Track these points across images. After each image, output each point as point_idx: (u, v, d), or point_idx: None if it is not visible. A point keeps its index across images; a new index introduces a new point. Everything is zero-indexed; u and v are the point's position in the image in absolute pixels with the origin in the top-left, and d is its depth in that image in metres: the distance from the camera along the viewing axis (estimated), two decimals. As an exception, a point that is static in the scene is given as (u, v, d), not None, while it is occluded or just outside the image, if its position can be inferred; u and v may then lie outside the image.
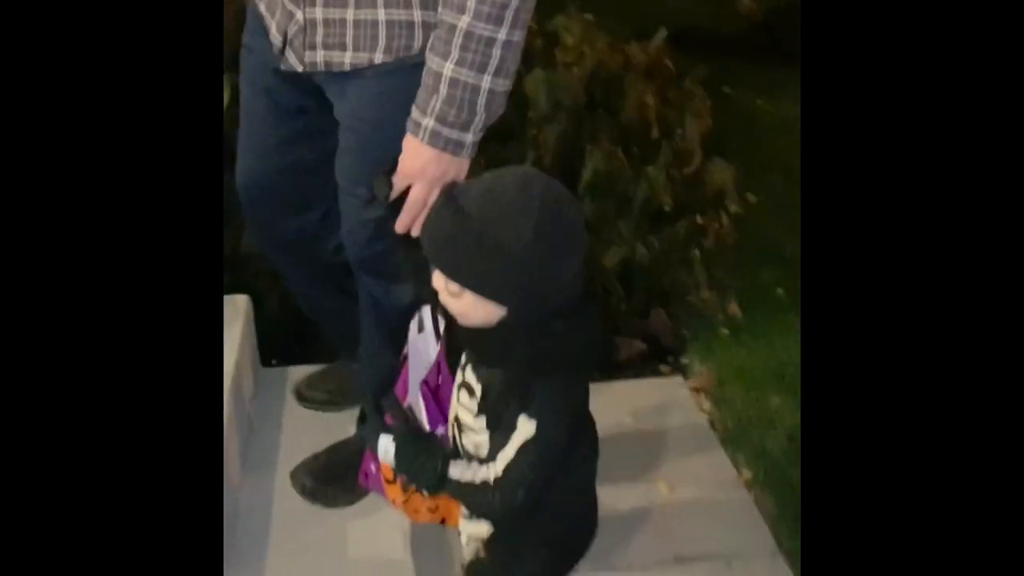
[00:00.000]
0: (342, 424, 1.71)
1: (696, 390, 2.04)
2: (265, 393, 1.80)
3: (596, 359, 1.13)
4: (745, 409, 1.98)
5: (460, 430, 1.11)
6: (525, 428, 1.02)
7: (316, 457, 1.58)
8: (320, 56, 1.26)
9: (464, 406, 1.10)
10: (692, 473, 1.81)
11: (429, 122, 1.14)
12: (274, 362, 1.95)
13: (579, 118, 2.10)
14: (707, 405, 2.00)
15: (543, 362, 1.03)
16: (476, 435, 1.08)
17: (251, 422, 1.70)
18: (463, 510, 1.20)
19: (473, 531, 1.20)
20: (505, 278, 1.00)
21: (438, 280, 1.04)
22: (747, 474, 1.80)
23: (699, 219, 2.21)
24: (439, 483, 1.07)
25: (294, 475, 1.56)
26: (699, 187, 2.24)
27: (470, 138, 1.15)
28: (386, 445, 1.08)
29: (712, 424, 1.95)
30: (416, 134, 1.16)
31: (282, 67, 1.30)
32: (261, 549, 1.46)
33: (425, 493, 1.15)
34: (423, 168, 1.16)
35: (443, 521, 1.29)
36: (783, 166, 3.16)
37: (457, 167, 1.17)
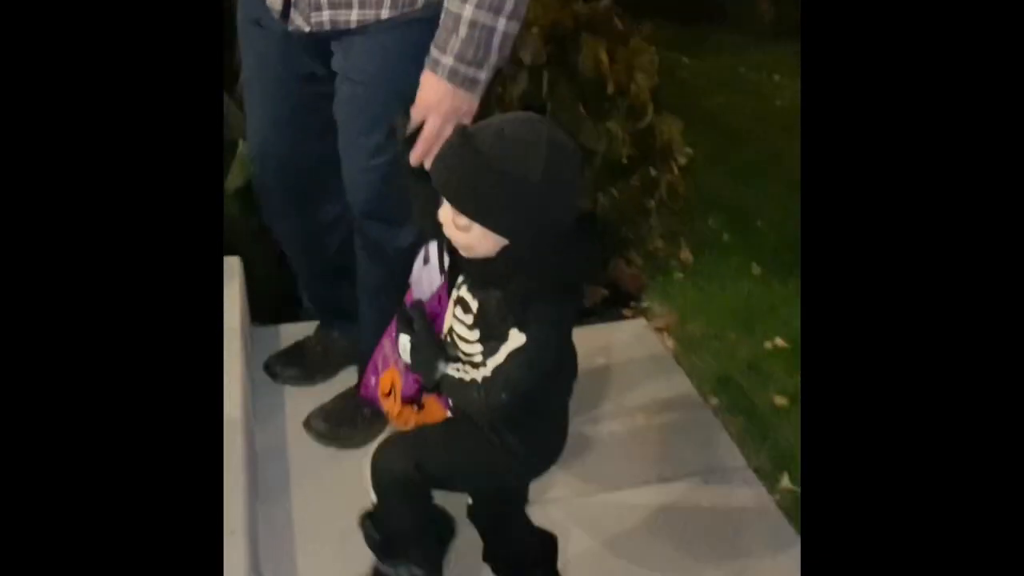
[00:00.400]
0: (341, 374, 1.79)
1: (659, 329, 2.19)
2: (258, 351, 1.86)
3: (588, 284, 1.20)
4: (706, 343, 2.15)
5: (453, 341, 1.19)
6: (516, 339, 1.10)
7: (324, 405, 1.66)
8: (326, 15, 1.33)
9: (459, 320, 1.17)
10: (664, 402, 1.97)
11: (448, 60, 1.24)
12: (256, 322, 2.00)
13: (540, 76, 2.19)
14: (670, 342, 2.16)
15: (540, 286, 1.11)
16: (469, 346, 1.16)
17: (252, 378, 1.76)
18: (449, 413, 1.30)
19: None
20: (514, 211, 1.08)
21: (446, 214, 1.11)
22: (713, 401, 1.97)
23: (652, 171, 2.35)
24: (439, 380, 1.17)
25: (307, 423, 1.64)
26: (650, 140, 2.37)
27: (484, 76, 1.25)
28: (404, 342, 1.19)
29: (677, 359, 2.10)
30: (435, 71, 1.25)
31: (289, 28, 1.36)
32: (284, 487, 1.54)
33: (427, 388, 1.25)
34: (439, 102, 1.25)
35: None
36: (713, 119, 3.35)
37: (469, 103, 1.27)
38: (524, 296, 1.11)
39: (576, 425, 1.85)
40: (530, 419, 1.22)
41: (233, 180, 1.95)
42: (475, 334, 1.15)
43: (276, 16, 1.37)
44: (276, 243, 2.01)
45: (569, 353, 1.25)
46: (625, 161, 2.27)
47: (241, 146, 1.96)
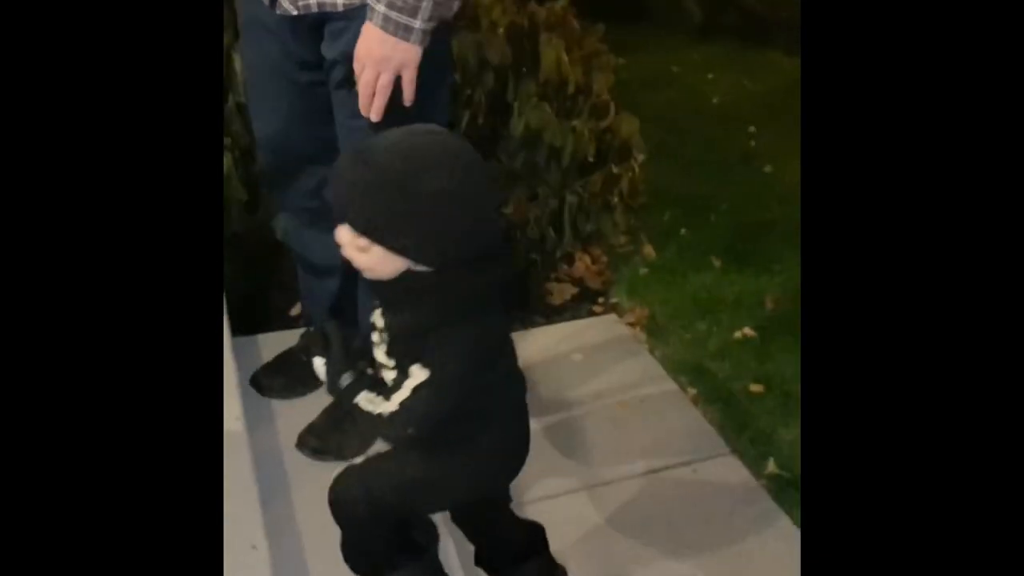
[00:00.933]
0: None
1: (632, 325, 2.23)
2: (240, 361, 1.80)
3: (502, 307, 1.15)
4: (677, 336, 2.20)
5: (378, 365, 1.15)
6: (418, 374, 1.06)
7: (313, 423, 1.64)
8: None
9: (376, 344, 1.14)
10: (643, 395, 2.00)
11: (380, 7, 1.25)
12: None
13: (505, 76, 2.20)
14: (643, 336, 2.20)
15: (441, 314, 1.05)
16: (388, 372, 1.12)
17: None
18: None
19: None
20: (415, 232, 1.01)
21: (344, 235, 1.04)
22: (691, 391, 2.02)
23: (614, 168, 2.38)
24: (351, 407, 1.12)
25: (300, 443, 1.62)
26: (610, 139, 2.40)
27: (418, 24, 1.25)
28: (319, 364, 1.16)
29: (651, 352, 2.15)
30: (370, 19, 1.27)
31: (277, 12, 1.38)
32: (286, 497, 1.52)
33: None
34: (370, 49, 1.26)
35: None
36: (654, 117, 3.42)
37: (403, 52, 1.26)
38: (425, 324, 1.06)
39: (560, 422, 1.90)
40: (471, 439, 1.19)
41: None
42: (391, 360, 1.12)
43: (266, 3, 1.38)
44: (241, 252, 1.98)
45: (495, 367, 1.17)
46: (592, 160, 2.30)
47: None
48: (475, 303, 1.07)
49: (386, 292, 1.08)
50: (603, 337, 2.19)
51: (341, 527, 1.28)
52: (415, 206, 1.00)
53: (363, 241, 1.03)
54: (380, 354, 1.13)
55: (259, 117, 1.56)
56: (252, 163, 1.94)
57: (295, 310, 2.02)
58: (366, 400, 1.10)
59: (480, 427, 1.18)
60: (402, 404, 1.07)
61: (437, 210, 1.00)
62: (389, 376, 1.11)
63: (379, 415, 1.08)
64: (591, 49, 2.48)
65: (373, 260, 1.04)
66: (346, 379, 1.12)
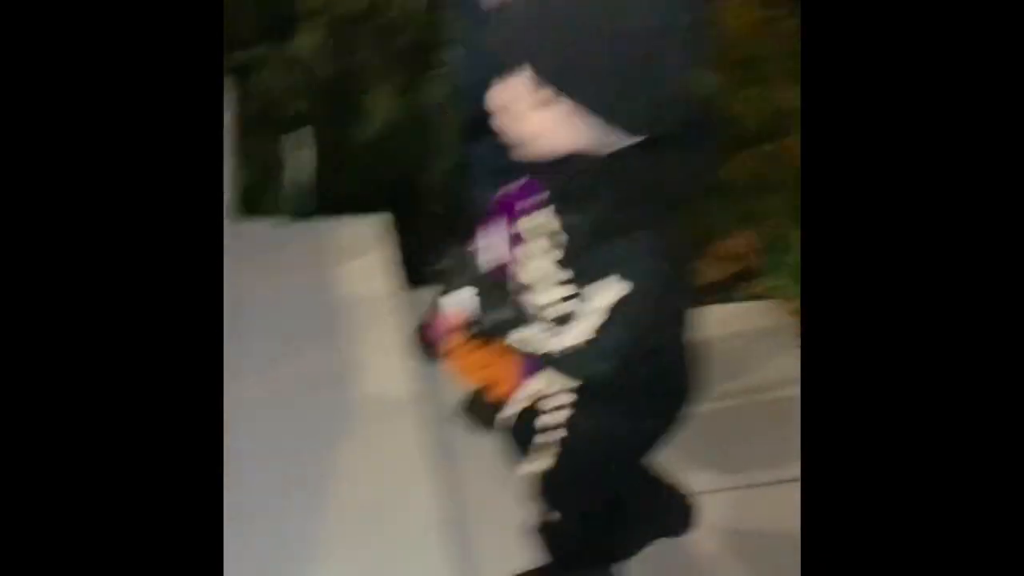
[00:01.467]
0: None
1: (794, 315, 2.08)
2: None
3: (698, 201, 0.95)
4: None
5: (533, 284, 0.94)
6: (617, 288, 0.86)
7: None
8: None
9: (541, 255, 0.92)
10: (806, 395, 1.86)
11: None
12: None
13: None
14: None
15: (640, 205, 0.85)
16: (554, 291, 0.91)
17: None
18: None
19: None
20: (618, 83, 0.80)
21: (517, 87, 0.83)
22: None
23: (785, 142, 2.22)
24: (513, 340, 0.95)
25: (465, 411, 1.55)
26: (781, 111, 2.24)
27: None
28: (464, 296, 0.98)
29: (816, 346, 2.00)
30: None
31: None
32: (452, 460, 1.41)
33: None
34: None
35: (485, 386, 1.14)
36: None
37: None
38: (618, 222, 0.84)
39: (711, 413, 1.75)
40: (644, 374, 0.97)
41: (367, 126, 1.82)
42: (560, 275, 0.89)
43: None
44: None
45: (680, 284, 0.97)
46: (756, 131, 2.15)
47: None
48: (675, 193, 0.87)
49: (564, 176, 0.86)
50: (762, 324, 2.05)
51: (557, 511, 1.17)
52: (625, 51, 0.78)
53: (547, 92, 0.82)
54: (545, 266, 0.90)
55: (466, 59, 1.42)
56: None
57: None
58: (536, 337, 0.92)
59: (664, 365, 0.99)
60: (600, 329, 0.87)
61: (637, 53, 0.79)
62: (549, 298, 0.91)
63: (571, 348, 0.89)
64: (768, 14, 2.32)
65: (549, 122, 0.83)
66: (503, 314, 0.94)
